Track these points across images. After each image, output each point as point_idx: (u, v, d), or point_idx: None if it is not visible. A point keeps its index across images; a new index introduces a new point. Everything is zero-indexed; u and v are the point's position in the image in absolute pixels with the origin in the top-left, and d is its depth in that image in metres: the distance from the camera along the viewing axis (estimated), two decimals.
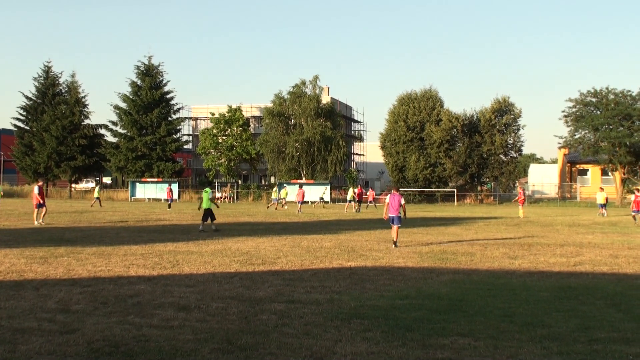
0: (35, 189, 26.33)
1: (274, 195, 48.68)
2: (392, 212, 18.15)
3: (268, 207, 47.60)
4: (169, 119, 71.26)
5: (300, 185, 46.81)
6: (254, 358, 6.67)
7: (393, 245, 17.89)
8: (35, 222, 25.67)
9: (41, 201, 25.92)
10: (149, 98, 68.86)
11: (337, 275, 12.45)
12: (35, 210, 26.13)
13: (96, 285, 10.93)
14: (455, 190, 63.27)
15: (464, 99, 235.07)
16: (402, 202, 18.26)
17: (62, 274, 12.30)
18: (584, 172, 69.85)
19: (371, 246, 18.10)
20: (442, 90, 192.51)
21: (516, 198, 41.32)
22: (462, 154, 63.50)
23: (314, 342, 7.23)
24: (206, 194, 23.81)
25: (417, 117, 65.79)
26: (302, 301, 9.66)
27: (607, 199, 39.04)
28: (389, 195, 18.47)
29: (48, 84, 73.87)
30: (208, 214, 23.47)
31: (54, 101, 72.38)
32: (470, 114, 66.62)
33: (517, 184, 71.15)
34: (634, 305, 9.67)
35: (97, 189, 50.37)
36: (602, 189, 40.45)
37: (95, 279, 11.67)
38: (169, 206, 45.40)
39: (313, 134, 64.73)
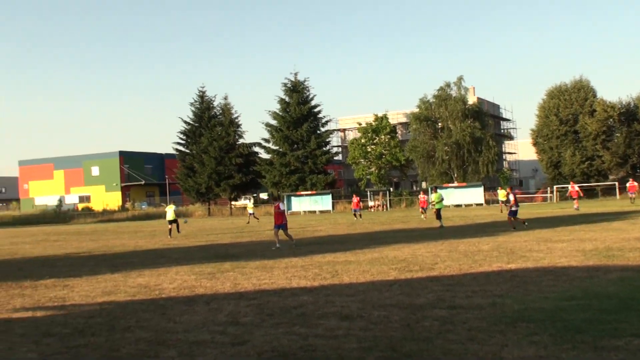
0: (280, 206, 22.54)
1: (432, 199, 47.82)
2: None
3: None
4: (318, 132, 72.44)
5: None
6: None
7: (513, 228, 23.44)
8: (292, 240, 22.33)
9: (279, 222, 22.08)
10: (298, 113, 70.42)
11: (497, 278, 12.14)
12: (280, 230, 22.15)
13: (262, 298, 11.32)
14: (616, 183, 59.76)
15: (619, 86, 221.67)
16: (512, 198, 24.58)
17: (229, 288, 12.85)
18: None
19: (531, 247, 17.49)
20: (594, 80, 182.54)
21: (568, 193, 37.99)
22: (621, 144, 60.41)
23: (480, 348, 7.09)
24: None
25: (569, 109, 63.36)
26: (464, 306, 9.50)
27: None
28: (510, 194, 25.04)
29: (203, 108, 77.43)
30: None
31: (210, 124, 75.79)
32: (627, 101, 63.35)
33: None
34: None
35: (249, 203, 52.01)
36: None
37: (261, 292, 12.09)
38: (359, 215, 43.10)
39: (462, 136, 63.78)
